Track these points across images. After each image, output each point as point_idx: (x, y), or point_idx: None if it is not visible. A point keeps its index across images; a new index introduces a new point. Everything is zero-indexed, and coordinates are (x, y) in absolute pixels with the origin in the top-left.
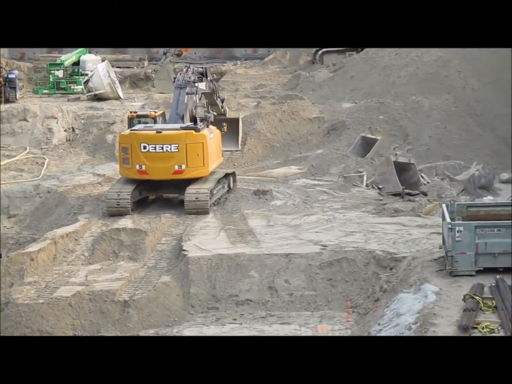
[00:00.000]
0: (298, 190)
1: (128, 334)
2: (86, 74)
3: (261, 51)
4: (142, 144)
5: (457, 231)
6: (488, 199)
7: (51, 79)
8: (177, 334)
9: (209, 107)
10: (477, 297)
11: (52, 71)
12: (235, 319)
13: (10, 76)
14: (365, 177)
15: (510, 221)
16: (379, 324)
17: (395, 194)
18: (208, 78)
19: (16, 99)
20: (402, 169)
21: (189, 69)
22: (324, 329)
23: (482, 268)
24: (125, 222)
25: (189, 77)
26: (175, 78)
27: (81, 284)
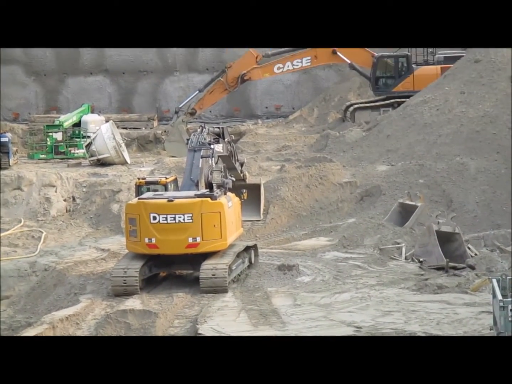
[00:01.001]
0: (328, 265)
1: None
2: (88, 137)
3: (284, 108)
4: (152, 215)
5: (511, 310)
6: None
7: (48, 143)
8: None
9: (227, 172)
10: None
11: (50, 134)
12: None
13: (2, 139)
14: (404, 249)
15: None
16: None
17: (438, 268)
18: (226, 139)
19: (9, 165)
20: (446, 239)
21: (204, 130)
22: None
23: None
24: (133, 303)
25: (204, 139)
26: (188, 139)
27: None
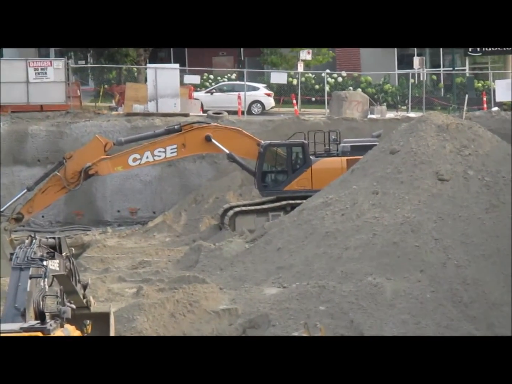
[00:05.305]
0: None
1: None
2: None
3: (142, 212)
4: None
5: None
6: None
7: None
8: None
9: (65, 297)
10: None
11: None
12: None
13: None
14: None
15: None
16: None
17: None
18: (63, 254)
19: None
20: None
21: (34, 241)
22: None
23: None
24: None
25: (34, 253)
26: (12, 254)
27: None
